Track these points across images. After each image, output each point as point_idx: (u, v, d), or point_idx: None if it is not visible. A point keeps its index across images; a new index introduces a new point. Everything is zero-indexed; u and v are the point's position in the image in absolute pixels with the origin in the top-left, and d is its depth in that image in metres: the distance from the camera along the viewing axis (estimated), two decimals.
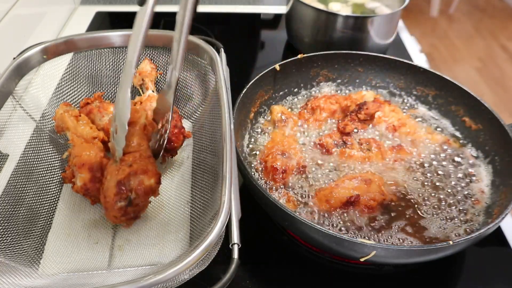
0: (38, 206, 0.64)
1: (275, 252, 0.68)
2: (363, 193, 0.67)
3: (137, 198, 0.60)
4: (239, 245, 0.51)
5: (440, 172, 0.75)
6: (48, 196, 0.67)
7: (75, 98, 0.78)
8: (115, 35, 0.78)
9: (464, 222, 0.66)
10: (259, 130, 0.83)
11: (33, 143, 0.69)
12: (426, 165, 0.76)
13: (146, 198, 0.61)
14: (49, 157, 0.71)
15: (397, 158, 0.76)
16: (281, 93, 0.89)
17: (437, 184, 0.72)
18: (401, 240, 0.63)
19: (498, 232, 0.71)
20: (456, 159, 0.77)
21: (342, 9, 1.08)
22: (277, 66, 0.83)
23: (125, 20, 1.30)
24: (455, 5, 3.49)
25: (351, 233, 0.64)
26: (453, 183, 0.73)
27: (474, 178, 0.74)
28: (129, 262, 0.60)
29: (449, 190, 0.71)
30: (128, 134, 0.60)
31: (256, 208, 0.68)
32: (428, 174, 0.74)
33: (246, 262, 0.64)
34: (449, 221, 0.67)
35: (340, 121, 0.83)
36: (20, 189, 0.63)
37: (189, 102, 0.82)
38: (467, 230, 0.65)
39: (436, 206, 0.69)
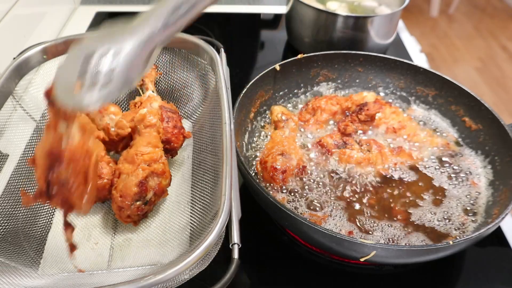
0: (38, 206, 0.64)
1: (275, 252, 0.68)
2: None
3: (153, 198, 0.62)
4: (239, 245, 0.51)
5: (440, 173, 0.75)
6: None
7: None
8: None
9: (464, 222, 0.66)
10: (259, 130, 0.83)
11: (33, 143, 0.69)
12: (426, 166, 0.76)
13: (159, 198, 0.64)
14: None
15: (397, 159, 0.76)
16: (281, 93, 0.89)
17: (437, 184, 0.73)
18: (401, 239, 0.63)
19: (498, 232, 0.71)
20: (456, 160, 0.77)
21: (340, 8, 1.08)
22: (277, 66, 0.83)
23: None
24: (455, 5, 3.49)
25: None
26: (453, 183, 0.73)
27: (473, 178, 0.74)
28: (129, 262, 0.60)
29: (449, 190, 0.71)
30: (146, 136, 0.64)
31: (256, 208, 0.68)
32: (428, 175, 0.74)
33: (246, 262, 0.64)
34: (449, 221, 0.67)
35: (340, 122, 0.82)
36: (20, 189, 0.63)
37: (189, 102, 0.82)
38: (467, 230, 0.65)
39: (436, 206, 0.69)
